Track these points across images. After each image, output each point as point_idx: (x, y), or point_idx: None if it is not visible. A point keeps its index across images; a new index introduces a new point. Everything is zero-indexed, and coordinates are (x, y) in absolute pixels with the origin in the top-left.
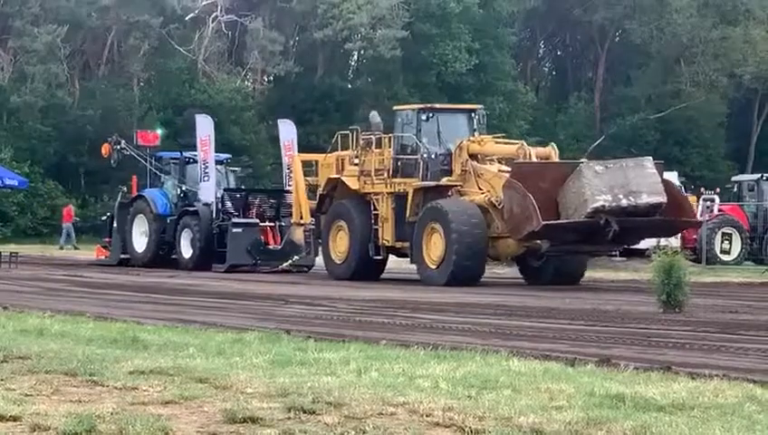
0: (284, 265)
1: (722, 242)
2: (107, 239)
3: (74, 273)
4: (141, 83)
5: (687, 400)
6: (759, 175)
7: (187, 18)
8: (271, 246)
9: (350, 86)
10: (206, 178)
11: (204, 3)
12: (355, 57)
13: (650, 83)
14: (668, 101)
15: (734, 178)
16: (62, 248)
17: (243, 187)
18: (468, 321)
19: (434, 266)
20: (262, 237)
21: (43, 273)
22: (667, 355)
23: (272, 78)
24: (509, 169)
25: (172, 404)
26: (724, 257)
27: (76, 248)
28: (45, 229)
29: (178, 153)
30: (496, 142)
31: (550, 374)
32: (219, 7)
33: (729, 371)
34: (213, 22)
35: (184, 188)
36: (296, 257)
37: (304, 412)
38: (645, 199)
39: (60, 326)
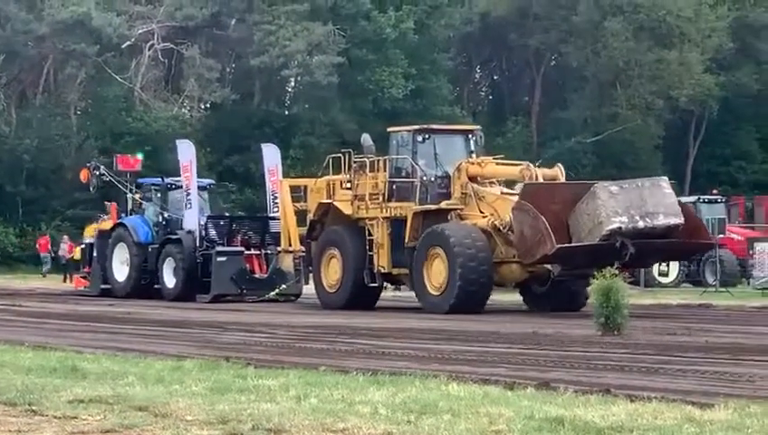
0: (271, 294)
1: (660, 264)
2: (86, 269)
3: (13, 302)
4: (78, 112)
5: (626, 422)
6: (696, 197)
7: (123, 46)
8: (257, 275)
9: (287, 113)
10: (188, 205)
11: (140, 31)
12: (292, 84)
13: (587, 107)
14: (605, 124)
15: None
16: (44, 276)
17: (227, 214)
18: (408, 346)
19: (436, 293)
20: (247, 266)
21: None
22: (606, 378)
23: (209, 105)
24: (512, 191)
25: (112, 433)
26: (663, 280)
27: (44, 277)
28: None
29: (159, 179)
30: (497, 164)
31: (489, 398)
32: (155, 35)
33: (668, 393)
34: (149, 50)
35: (166, 216)
36: (283, 286)
37: None
38: (662, 221)
39: None
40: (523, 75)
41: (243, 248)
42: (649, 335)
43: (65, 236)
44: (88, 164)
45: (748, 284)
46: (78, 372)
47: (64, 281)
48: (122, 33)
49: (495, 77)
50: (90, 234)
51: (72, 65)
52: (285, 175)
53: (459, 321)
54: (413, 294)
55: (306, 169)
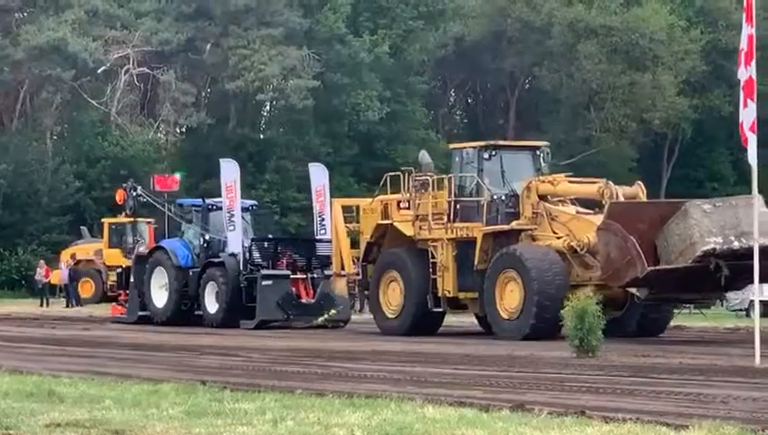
0: (319, 320)
1: None
2: (122, 296)
3: None
4: (54, 137)
5: None
6: None
7: (99, 71)
8: (303, 300)
9: (262, 136)
10: (231, 227)
11: (116, 56)
12: (267, 108)
13: (561, 130)
14: (579, 147)
15: None
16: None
17: (270, 235)
18: (383, 369)
19: (510, 318)
20: (293, 290)
21: None
22: (580, 399)
23: (184, 129)
24: (587, 210)
25: None
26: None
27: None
28: None
29: (200, 200)
30: (571, 182)
31: (464, 421)
32: (131, 60)
33: (642, 414)
34: (125, 74)
35: (207, 238)
36: (332, 311)
37: None
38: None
39: None
40: (498, 98)
41: (289, 272)
42: (624, 357)
43: (41, 261)
44: (124, 185)
45: (722, 305)
46: (55, 396)
47: (41, 305)
48: (98, 58)
49: (470, 100)
50: (65, 259)
51: (47, 90)
52: (259, 200)
53: (434, 344)
54: (474, 319)
55: (282, 192)
